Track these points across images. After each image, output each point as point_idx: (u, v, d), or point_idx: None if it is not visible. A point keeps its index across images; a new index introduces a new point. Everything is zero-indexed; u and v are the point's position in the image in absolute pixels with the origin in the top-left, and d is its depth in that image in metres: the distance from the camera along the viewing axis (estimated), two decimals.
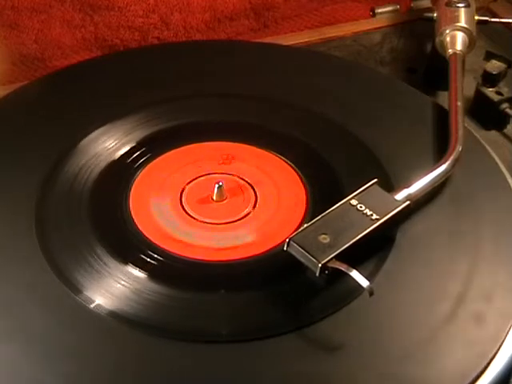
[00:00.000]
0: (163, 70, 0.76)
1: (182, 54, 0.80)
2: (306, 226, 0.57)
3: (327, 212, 0.58)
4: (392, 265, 0.58)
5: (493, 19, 0.82)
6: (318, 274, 0.55)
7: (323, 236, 0.56)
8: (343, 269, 0.54)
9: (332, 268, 0.55)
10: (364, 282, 0.53)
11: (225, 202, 0.64)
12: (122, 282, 0.57)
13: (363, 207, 0.58)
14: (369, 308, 0.55)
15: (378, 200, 0.59)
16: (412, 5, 0.85)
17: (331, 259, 0.55)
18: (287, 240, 0.56)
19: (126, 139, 0.68)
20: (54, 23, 0.85)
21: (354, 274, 0.54)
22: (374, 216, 0.58)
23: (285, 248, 0.56)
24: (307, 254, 0.55)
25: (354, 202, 0.59)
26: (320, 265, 0.54)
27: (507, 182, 0.65)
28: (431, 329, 0.55)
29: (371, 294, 0.53)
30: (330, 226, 0.57)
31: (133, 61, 0.79)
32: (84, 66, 0.78)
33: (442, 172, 0.63)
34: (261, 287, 0.57)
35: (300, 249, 0.55)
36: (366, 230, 0.57)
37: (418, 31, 0.88)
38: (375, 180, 0.61)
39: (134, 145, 0.68)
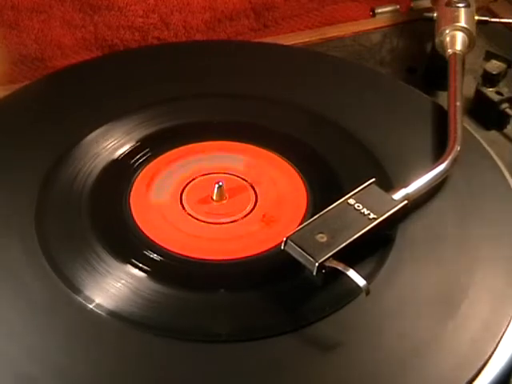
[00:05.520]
0: (163, 69, 0.76)
1: (182, 53, 0.80)
2: (303, 225, 0.57)
3: (325, 211, 0.58)
4: (392, 265, 0.58)
5: (493, 19, 0.82)
6: (315, 273, 0.55)
7: (320, 235, 0.56)
8: (340, 268, 0.54)
9: (329, 267, 0.55)
10: (361, 281, 0.53)
11: (225, 201, 0.64)
12: (122, 282, 0.57)
13: (361, 206, 0.58)
14: (368, 308, 0.55)
15: (375, 199, 0.59)
16: (412, 5, 0.85)
17: (328, 258, 0.55)
18: (284, 239, 0.56)
19: (126, 139, 0.68)
20: (54, 23, 0.85)
21: (351, 273, 0.54)
22: (372, 215, 0.58)
23: (282, 247, 0.56)
24: (304, 253, 0.55)
25: (351, 201, 0.59)
26: (317, 264, 0.54)
27: (507, 182, 0.65)
28: (431, 329, 0.55)
29: (368, 293, 0.53)
30: (328, 225, 0.57)
31: (133, 61, 0.79)
32: (84, 66, 0.78)
33: (440, 172, 0.63)
34: (260, 287, 0.57)
35: (297, 248, 0.55)
36: (363, 229, 0.57)
37: (418, 31, 0.88)
38: (373, 179, 0.61)
39: (133, 144, 0.68)
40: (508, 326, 0.55)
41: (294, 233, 0.56)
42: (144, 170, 0.66)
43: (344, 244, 0.56)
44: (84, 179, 0.65)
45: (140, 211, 0.62)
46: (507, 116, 0.75)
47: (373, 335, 0.54)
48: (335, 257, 0.55)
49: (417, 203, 0.62)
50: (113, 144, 0.68)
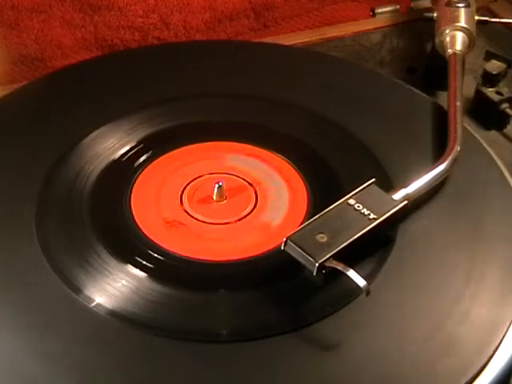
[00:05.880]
0: (163, 70, 0.76)
1: (182, 53, 0.80)
2: (303, 225, 0.57)
3: (325, 211, 0.58)
4: (392, 265, 0.58)
5: (493, 19, 0.82)
6: (315, 274, 0.55)
7: (320, 235, 0.56)
8: (340, 268, 0.54)
9: (329, 267, 0.55)
10: (361, 282, 0.53)
11: (225, 201, 0.64)
12: (122, 282, 0.57)
13: (361, 207, 0.58)
14: (369, 308, 0.55)
15: (375, 200, 0.59)
16: (412, 5, 0.85)
17: (328, 258, 0.55)
18: (284, 239, 0.56)
19: (126, 139, 0.68)
20: (54, 23, 0.85)
21: (351, 274, 0.54)
22: (372, 216, 0.58)
23: (282, 247, 0.56)
24: (304, 254, 0.55)
25: (351, 201, 0.59)
26: (317, 264, 0.54)
27: (507, 182, 0.65)
28: (431, 328, 0.55)
29: (368, 293, 0.53)
30: (328, 226, 0.57)
31: (133, 61, 0.79)
32: (84, 66, 0.78)
33: (440, 172, 0.63)
34: (261, 287, 0.57)
35: (297, 248, 0.55)
36: (363, 229, 0.57)
37: (418, 31, 0.88)
38: (373, 180, 0.61)
39: (134, 145, 0.68)
40: (509, 326, 0.55)
41: (294, 233, 0.56)
42: (145, 171, 0.66)
43: (344, 244, 0.56)
44: (84, 179, 0.64)
45: (141, 211, 0.62)
46: (507, 116, 0.75)
47: (373, 335, 0.54)
48: (335, 257, 0.55)
49: (417, 203, 0.62)
50: (113, 144, 0.68)
